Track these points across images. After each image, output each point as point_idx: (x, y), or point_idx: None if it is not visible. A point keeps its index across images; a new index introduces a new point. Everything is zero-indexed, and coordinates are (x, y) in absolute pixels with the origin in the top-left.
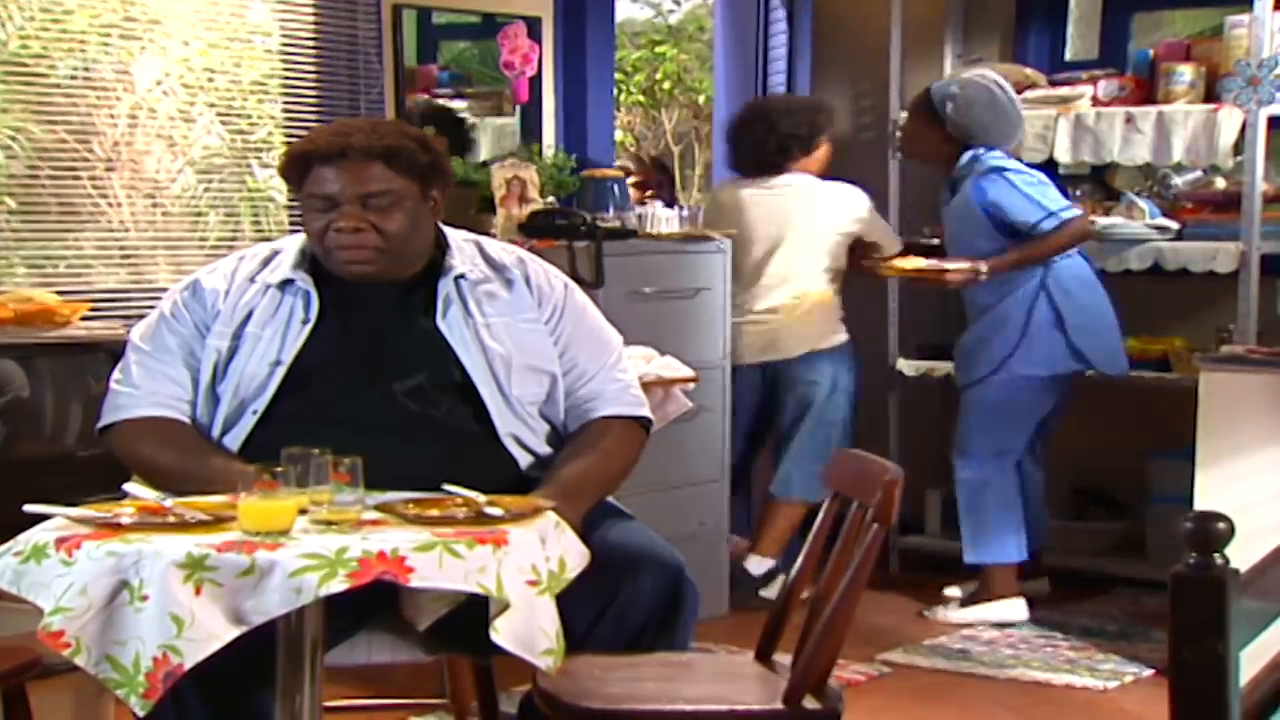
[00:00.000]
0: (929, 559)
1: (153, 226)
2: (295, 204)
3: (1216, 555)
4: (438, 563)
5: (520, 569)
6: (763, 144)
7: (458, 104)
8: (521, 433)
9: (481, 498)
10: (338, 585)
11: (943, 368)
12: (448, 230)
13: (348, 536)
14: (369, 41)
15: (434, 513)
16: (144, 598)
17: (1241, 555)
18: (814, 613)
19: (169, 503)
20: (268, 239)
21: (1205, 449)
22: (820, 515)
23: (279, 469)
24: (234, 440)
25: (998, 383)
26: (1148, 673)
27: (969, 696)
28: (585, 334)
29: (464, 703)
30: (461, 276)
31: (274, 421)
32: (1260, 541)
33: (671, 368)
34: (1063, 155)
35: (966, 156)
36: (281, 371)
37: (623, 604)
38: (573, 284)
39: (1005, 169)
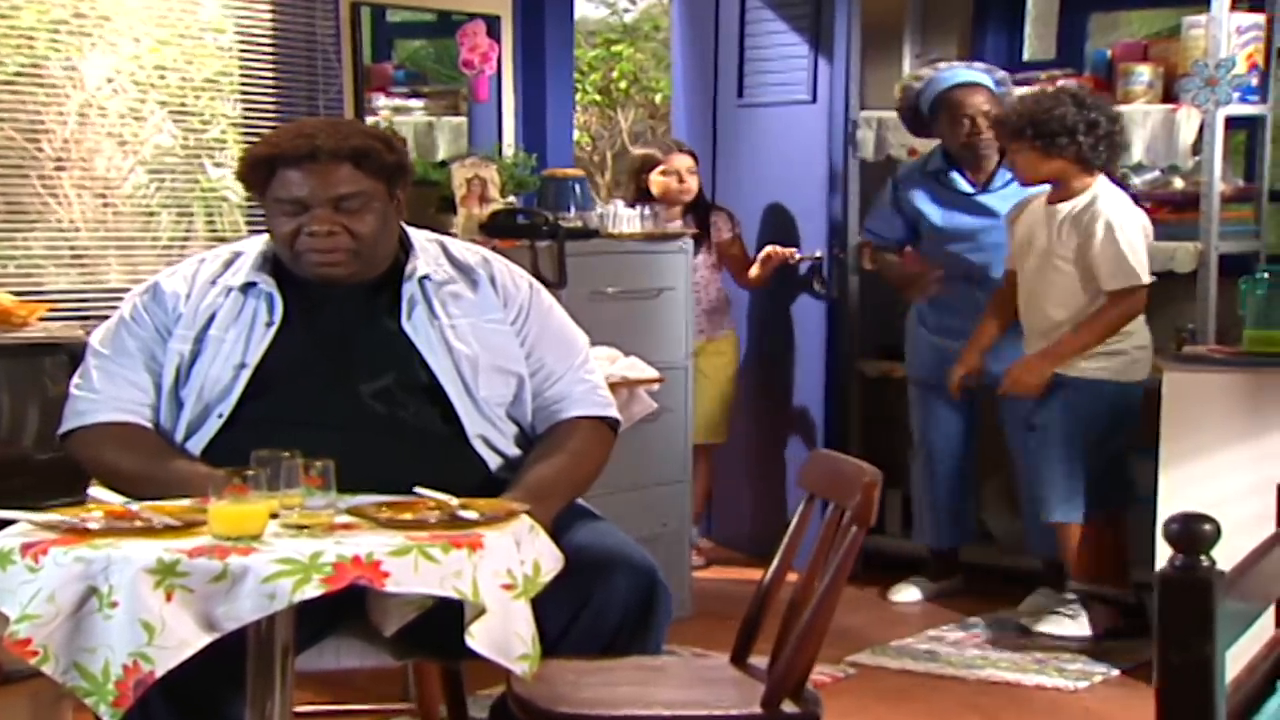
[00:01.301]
0: (892, 559)
1: (103, 226)
2: (254, 204)
3: (1202, 557)
4: (413, 567)
5: (495, 573)
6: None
7: (414, 103)
8: (490, 434)
9: (454, 501)
10: (312, 590)
11: (902, 368)
12: (411, 231)
13: (320, 541)
14: (327, 39)
15: (407, 516)
16: (113, 604)
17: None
18: (791, 615)
19: (135, 507)
20: (222, 239)
21: (1169, 449)
22: (795, 518)
23: (250, 472)
24: (198, 444)
25: None
26: (1115, 673)
27: (937, 698)
28: (552, 335)
29: (431, 707)
30: (426, 277)
31: (239, 425)
32: (1226, 541)
33: (636, 369)
34: None
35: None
36: (246, 374)
37: (596, 607)
38: (538, 284)
39: None
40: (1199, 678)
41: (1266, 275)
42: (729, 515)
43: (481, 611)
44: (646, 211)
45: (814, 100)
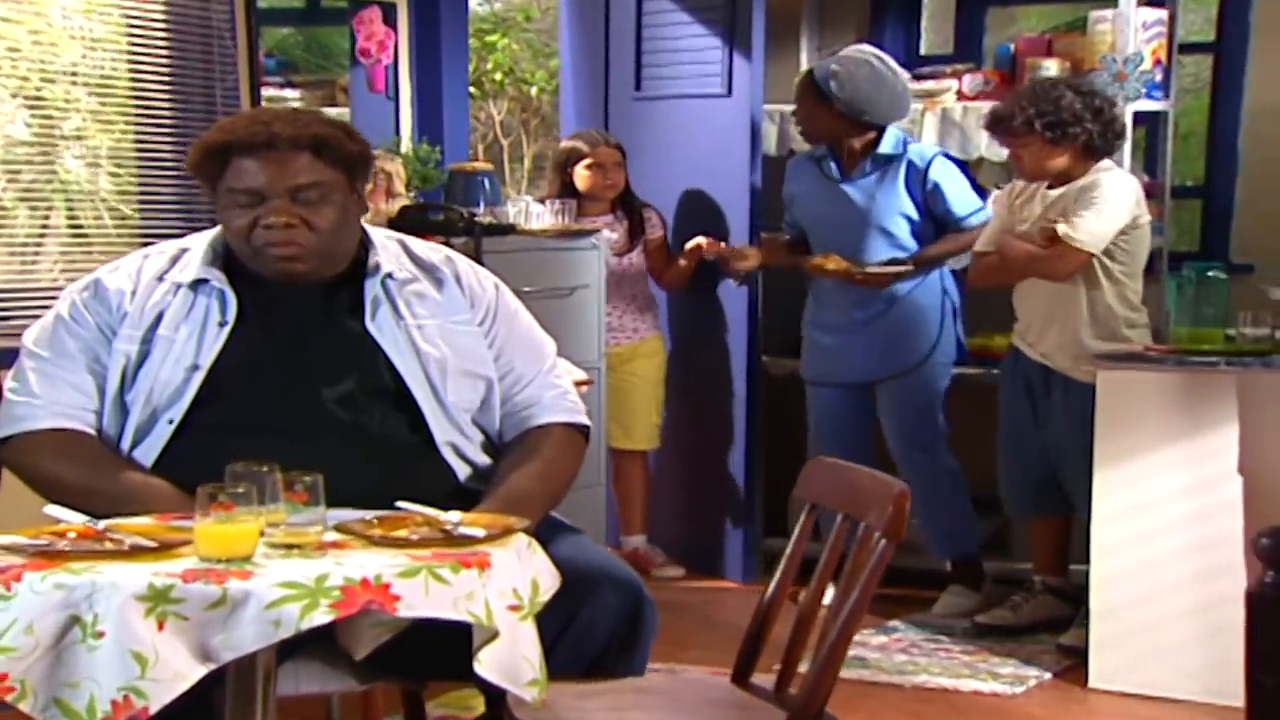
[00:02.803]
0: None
1: None
2: (124, 196)
3: None
4: (424, 589)
5: (501, 593)
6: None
7: (289, 93)
8: (459, 442)
9: (446, 516)
10: (320, 617)
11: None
12: (369, 227)
13: (317, 562)
14: (223, 25)
15: (401, 533)
16: (99, 634)
17: (1139, 556)
18: (799, 633)
19: (102, 525)
20: (84, 235)
21: (1103, 448)
22: (796, 531)
23: (239, 489)
24: (148, 452)
25: (926, 373)
26: (1048, 677)
27: (876, 706)
28: (519, 337)
29: None
30: (389, 275)
31: (191, 431)
32: (1160, 541)
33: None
34: None
35: (893, 137)
36: (200, 377)
37: (582, 625)
38: (503, 285)
39: (949, 154)
40: None
41: (1194, 273)
42: (654, 521)
43: (494, 635)
44: (558, 206)
45: (729, 94)
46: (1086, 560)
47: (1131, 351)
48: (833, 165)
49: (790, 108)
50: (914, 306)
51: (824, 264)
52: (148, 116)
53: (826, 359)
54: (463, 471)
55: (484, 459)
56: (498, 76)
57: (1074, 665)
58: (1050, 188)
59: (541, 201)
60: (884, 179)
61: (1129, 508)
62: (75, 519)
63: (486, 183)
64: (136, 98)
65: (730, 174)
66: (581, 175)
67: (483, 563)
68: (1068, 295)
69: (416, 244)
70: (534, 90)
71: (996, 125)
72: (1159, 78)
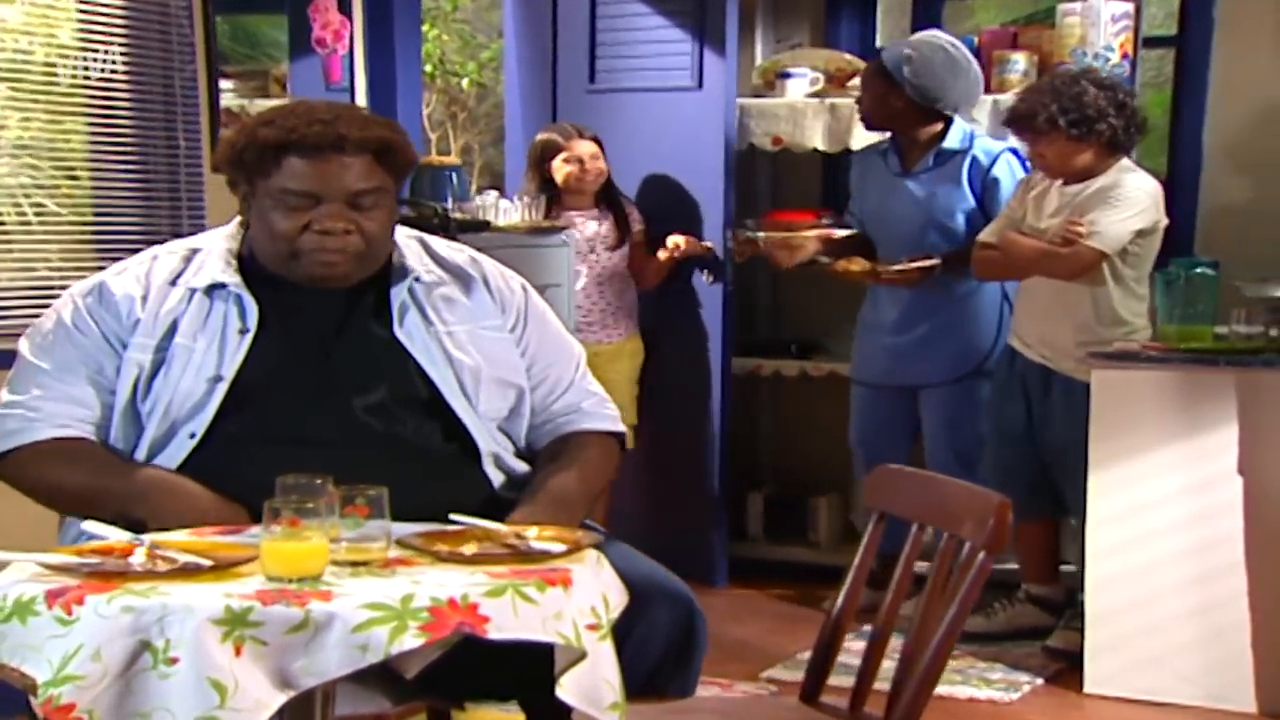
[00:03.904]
0: (756, 566)
1: None
2: (44, 190)
3: None
4: (512, 609)
5: (581, 612)
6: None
7: (222, 84)
8: (500, 451)
9: (503, 527)
10: (410, 641)
11: (770, 365)
12: None
13: (393, 581)
14: (180, 10)
15: (470, 549)
16: (172, 660)
17: (1136, 559)
18: (874, 652)
19: (147, 542)
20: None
21: (1098, 449)
22: (865, 540)
23: (309, 503)
24: (166, 465)
25: (977, 382)
26: (1040, 682)
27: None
28: (551, 342)
29: None
30: (417, 279)
31: (214, 443)
32: (1157, 543)
33: None
34: None
35: (960, 132)
36: (223, 388)
37: (637, 642)
38: (529, 286)
39: (1017, 150)
40: None
41: (1182, 270)
42: (621, 521)
43: (581, 657)
44: (527, 201)
45: (700, 86)
46: (1071, 562)
47: (1127, 350)
48: (895, 158)
49: (750, 100)
50: (971, 311)
51: (848, 267)
52: (102, 109)
53: (876, 360)
54: (498, 480)
55: (521, 467)
56: (427, 69)
57: (1065, 669)
58: (1066, 184)
59: (511, 198)
60: (946, 174)
61: (1125, 510)
62: (117, 535)
63: (454, 177)
64: (89, 89)
65: (703, 168)
66: (559, 169)
67: (565, 579)
68: (1073, 295)
69: (438, 243)
70: (464, 83)
71: (1019, 123)
72: (1126, 71)
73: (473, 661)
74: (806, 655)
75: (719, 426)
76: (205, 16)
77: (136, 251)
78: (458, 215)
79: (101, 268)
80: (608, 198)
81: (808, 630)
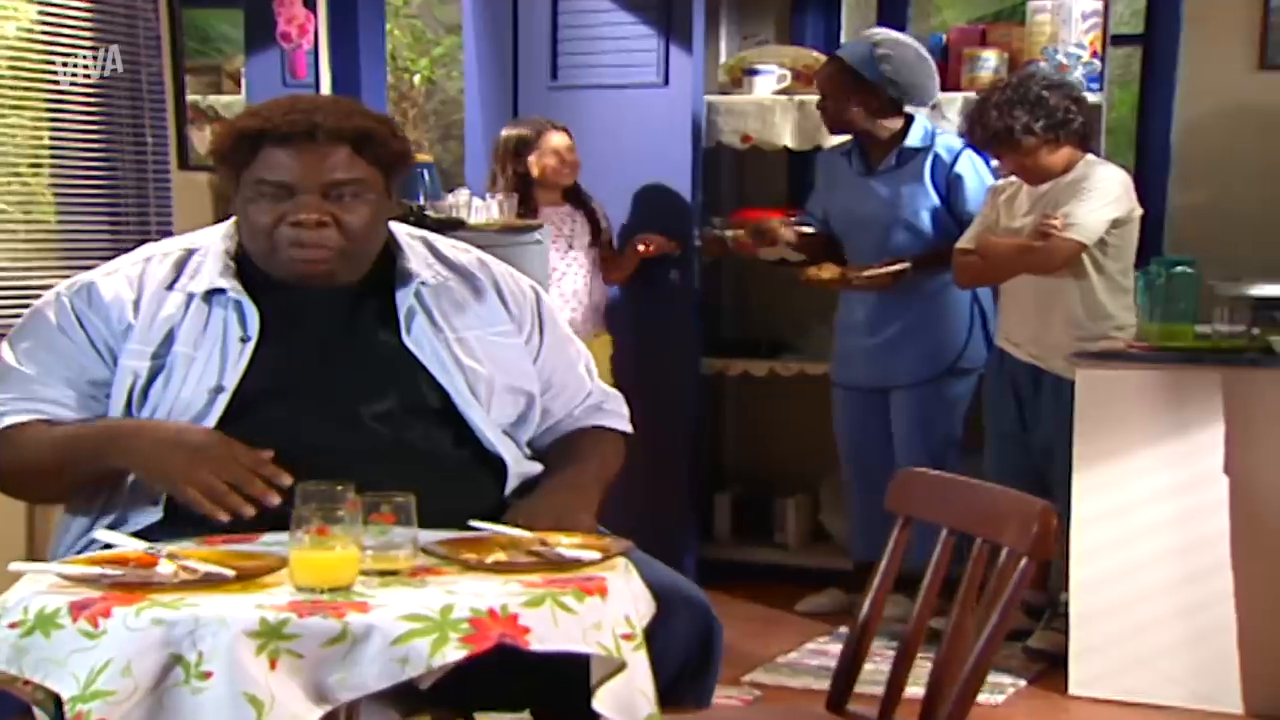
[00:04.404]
0: (724, 568)
1: None
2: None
3: None
4: (551, 620)
5: (616, 621)
6: None
7: None
8: (518, 457)
9: (524, 533)
10: (452, 654)
11: (738, 365)
12: (394, 226)
13: (426, 591)
14: (145, 6)
15: (498, 557)
16: (205, 675)
17: (1121, 559)
18: (904, 657)
19: (164, 551)
20: None
21: (1083, 448)
22: (890, 546)
23: (338, 510)
24: None
25: (945, 383)
26: (1023, 683)
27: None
28: (560, 345)
29: None
30: (423, 283)
31: None
32: (1143, 543)
33: None
34: None
35: (922, 130)
36: (224, 399)
37: (656, 651)
38: (538, 287)
39: (975, 146)
40: None
41: (1163, 268)
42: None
43: (620, 668)
44: (500, 199)
45: (666, 83)
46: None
47: (1112, 349)
48: (859, 159)
49: (718, 98)
50: (940, 311)
51: (819, 274)
52: (66, 106)
53: (851, 362)
54: (510, 486)
55: (534, 468)
56: None
57: (1047, 670)
58: (1035, 183)
59: (483, 196)
60: (909, 173)
61: (1110, 509)
62: (132, 545)
63: (426, 175)
64: (55, 84)
65: (669, 165)
66: (536, 163)
67: (600, 589)
68: (1059, 293)
69: (443, 243)
70: (416, 79)
71: (996, 143)
72: (1096, 69)
73: (483, 671)
74: (786, 658)
75: (688, 426)
76: (171, 11)
77: (103, 252)
78: (432, 214)
79: (67, 268)
80: (576, 194)
81: (782, 633)
